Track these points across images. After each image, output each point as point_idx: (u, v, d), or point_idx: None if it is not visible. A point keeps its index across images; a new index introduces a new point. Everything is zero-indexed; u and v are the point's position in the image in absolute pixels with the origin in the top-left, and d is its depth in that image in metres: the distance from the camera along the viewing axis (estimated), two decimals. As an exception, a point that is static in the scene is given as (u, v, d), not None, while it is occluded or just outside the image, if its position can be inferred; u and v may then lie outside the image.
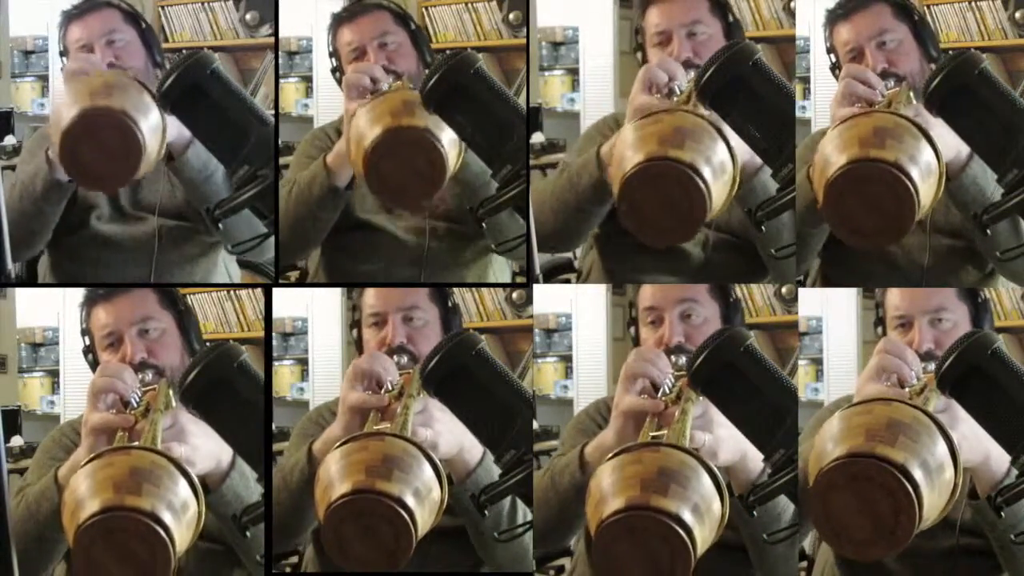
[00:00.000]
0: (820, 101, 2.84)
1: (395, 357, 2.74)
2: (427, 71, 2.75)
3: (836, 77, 2.78)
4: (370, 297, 2.81)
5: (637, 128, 2.63)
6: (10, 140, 2.90)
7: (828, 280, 2.85)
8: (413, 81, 2.80)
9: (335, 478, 2.48)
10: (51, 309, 2.86)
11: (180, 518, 2.48)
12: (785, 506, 2.66)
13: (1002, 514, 2.57)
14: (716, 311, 2.78)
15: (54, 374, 2.88)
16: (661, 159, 2.58)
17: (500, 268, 2.89)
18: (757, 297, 2.81)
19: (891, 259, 2.83)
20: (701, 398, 2.59)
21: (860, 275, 2.83)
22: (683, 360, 2.68)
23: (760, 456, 2.62)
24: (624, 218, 2.62)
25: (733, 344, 2.60)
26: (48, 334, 2.87)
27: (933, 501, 2.35)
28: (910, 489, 2.32)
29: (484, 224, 2.81)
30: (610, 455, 2.44)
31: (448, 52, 2.76)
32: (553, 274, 2.89)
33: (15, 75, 2.92)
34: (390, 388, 2.66)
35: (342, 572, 2.61)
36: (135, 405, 2.65)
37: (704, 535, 2.38)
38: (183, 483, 2.51)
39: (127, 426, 2.61)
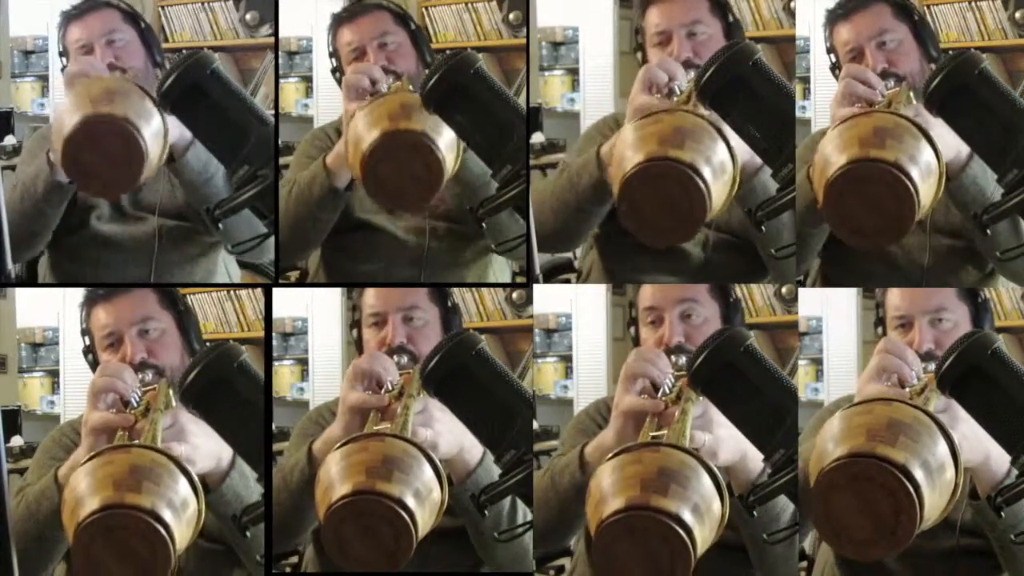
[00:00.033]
0: (820, 101, 2.84)
1: (395, 357, 2.74)
2: (427, 71, 2.75)
3: (836, 77, 2.78)
4: (370, 297, 2.81)
5: (637, 128, 2.63)
6: (10, 140, 2.90)
7: (828, 280, 2.85)
8: (413, 81, 2.80)
9: (335, 479, 2.48)
10: (51, 309, 2.86)
11: (180, 516, 2.49)
12: (785, 506, 2.66)
13: (1002, 514, 2.57)
14: (716, 311, 2.78)
15: (54, 374, 2.88)
16: (661, 159, 2.58)
17: (500, 268, 2.89)
18: (757, 297, 2.81)
19: (891, 259, 2.83)
20: (701, 398, 2.59)
21: (860, 275, 2.83)
22: (683, 360, 2.68)
23: (760, 456, 2.62)
24: (624, 218, 2.62)
25: (733, 344, 2.60)
26: (48, 334, 2.87)
27: (934, 501, 2.35)
28: (911, 489, 2.32)
29: (484, 224, 2.81)
30: (610, 455, 2.44)
31: (448, 52, 2.76)
32: (553, 274, 2.89)
33: (15, 75, 2.92)
34: (390, 388, 2.66)
35: (342, 572, 2.61)
36: (135, 405, 2.65)
37: (704, 535, 2.38)
38: (183, 481, 2.51)
39: (127, 425, 2.61)
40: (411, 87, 2.78)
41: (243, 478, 2.69)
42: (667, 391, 2.61)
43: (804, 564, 2.75)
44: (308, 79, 2.92)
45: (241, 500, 2.70)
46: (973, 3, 2.83)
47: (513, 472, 2.67)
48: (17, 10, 2.90)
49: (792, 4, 2.84)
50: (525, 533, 2.72)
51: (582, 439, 2.68)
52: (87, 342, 2.80)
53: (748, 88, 2.68)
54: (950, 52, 2.75)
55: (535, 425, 2.77)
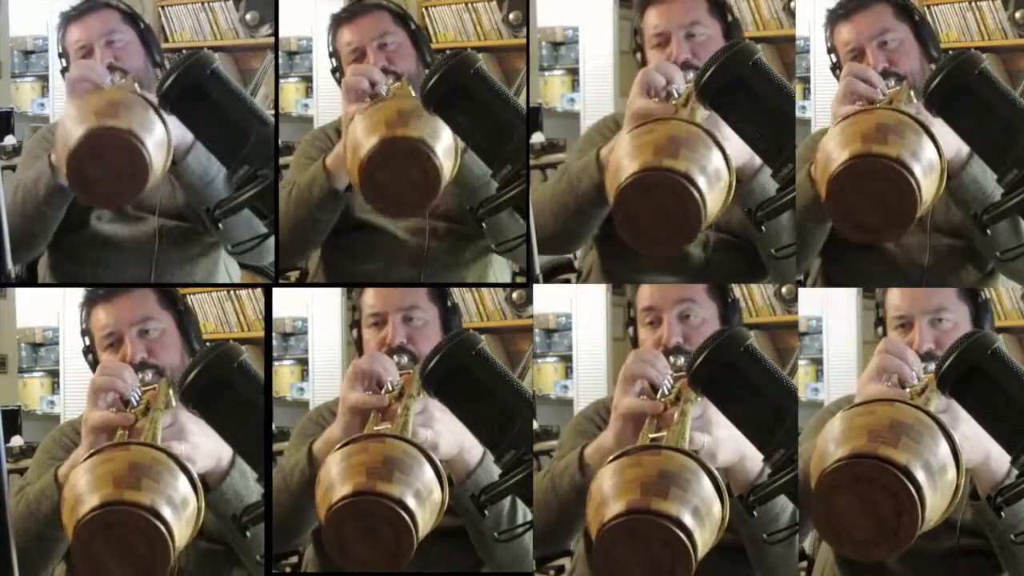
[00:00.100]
0: (820, 101, 2.84)
1: (395, 357, 2.74)
2: (427, 71, 2.75)
3: (837, 77, 2.78)
4: (370, 297, 2.81)
5: (632, 137, 2.63)
6: (10, 140, 2.90)
7: (829, 280, 2.85)
8: (413, 82, 2.80)
9: (336, 480, 2.48)
10: (51, 309, 2.86)
11: (180, 513, 2.49)
12: (784, 506, 2.66)
13: (1002, 514, 2.57)
14: (714, 311, 2.78)
15: (54, 374, 2.88)
16: (656, 169, 2.58)
17: (500, 268, 2.89)
18: (757, 297, 2.81)
19: (891, 259, 2.83)
20: (700, 399, 2.59)
21: (860, 275, 2.83)
22: (681, 361, 2.68)
23: (759, 456, 2.62)
24: (620, 228, 2.61)
25: (733, 344, 2.60)
26: (48, 334, 2.87)
27: (935, 502, 2.35)
28: (913, 491, 2.32)
29: (484, 224, 2.81)
30: (610, 458, 2.45)
31: (448, 52, 2.76)
32: (553, 274, 2.89)
33: (15, 75, 2.91)
34: (390, 388, 2.66)
35: (343, 573, 2.61)
36: (135, 404, 2.65)
37: (704, 538, 2.38)
38: (183, 479, 2.51)
39: (127, 424, 2.62)
40: (411, 87, 2.78)
41: (243, 477, 2.70)
42: (666, 392, 2.61)
43: (804, 564, 2.75)
44: (308, 79, 2.91)
45: (241, 499, 2.70)
46: (973, 3, 2.83)
47: (513, 472, 2.67)
48: (17, 10, 2.90)
49: (792, 4, 2.84)
50: (525, 533, 2.72)
51: (581, 441, 2.68)
52: (87, 342, 2.80)
53: (748, 88, 2.68)
54: (950, 52, 2.75)
55: (535, 425, 2.77)
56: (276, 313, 2.85)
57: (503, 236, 2.83)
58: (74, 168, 2.67)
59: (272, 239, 2.83)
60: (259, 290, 2.85)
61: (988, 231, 2.72)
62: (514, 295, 2.86)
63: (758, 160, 2.72)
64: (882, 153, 2.56)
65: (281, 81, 2.89)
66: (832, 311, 2.83)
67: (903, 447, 2.34)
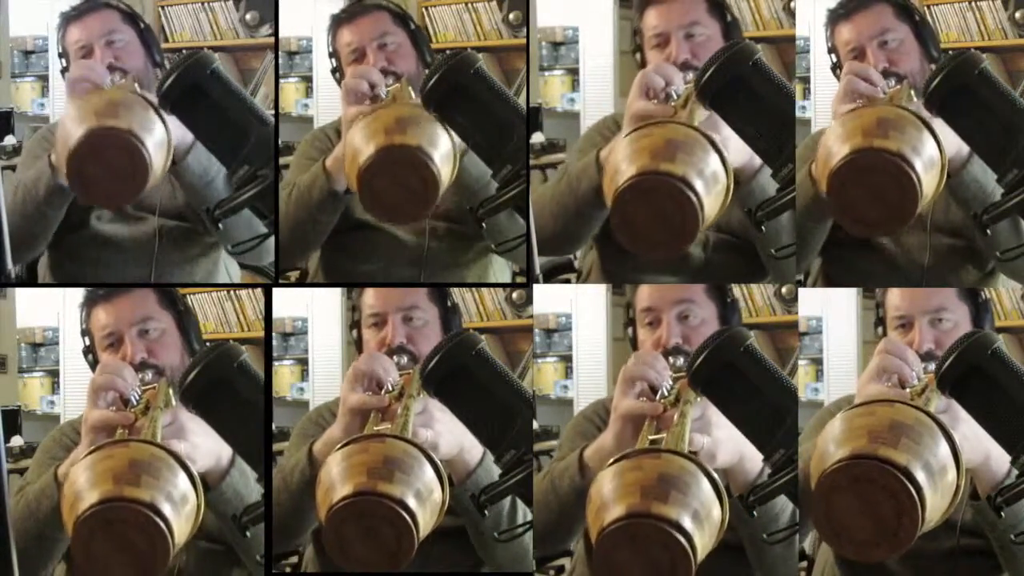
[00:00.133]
0: (820, 101, 2.84)
1: (395, 357, 2.74)
2: (427, 71, 2.75)
3: (837, 77, 2.78)
4: (370, 297, 2.81)
5: (630, 141, 2.63)
6: (10, 140, 2.90)
7: (830, 279, 2.85)
8: (413, 82, 2.80)
9: (336, 480, 2.48)
10: (51, 309, 2.86)
11: (179, 510, 2.49)
12: (784, 506, 2.66)
13: (1002, 514, 2.57)
14: (713, 312, 2.78)
15: (54, 374, 2.88)
16: (653, 173, 2.58)
17: (500, 268, 2.89)
18: (757, 297, 2.81)
19: (891, 259, 2.83)
20: (699, 399, 2.59)
21: (860, 275, 2.83)
22: (681, 361, 2.68)
23: (759, 456, 2.62)
24: (617, 231, 2.61)
25: (733, 344, 2.60)
26: (48, 334, 2.87)
27: (936, 503, 2.35)
28: (913, 491, 2.32)
29: (484, 224, 2.81)
30: (610, 461, 2.44)
31: (448, 52, 2.76)
32: (553, 274, 2.89)
33: (15, 75, 2.91)
34: (390, 389, 2.66)
35: (343, 573, 2.61)
36: (135, 403, 2.65)
37: (704, 541, 2.38)
38: (182, 476, 2.52)
39: (127, 423, 2.62)
40: (410, 88, 2.78)
41: (243, 476, 2.70)
42: (665, 393, 2.61)
43: (804, 564, 2.75)
44: (308, 79, 2.91)
45: (241, 499, 2.70)
46: (973, 3, 2.83)
47: (513, 472, 2.68)
48: (17, 10, 2.90)
49: (792, 4, 2.84)
50: (525, 533, 2.72)
51: (581, 442, 2.68)
52: (87, 342, 2.80)
53: (748, 88, 2.68)
54: (950, 52, 2.75)
55: (535, 425, 2.77)
56: (276, 313, 2.85)
57: (503, 236, 2.82)
58: (74, 168, 2.67)
59: (272, 239, 2.83)
60: (259, 290, 2.85)
61: (988, 231, 2.72)
62: (514, 295, 2.86)
63: (758, 160, 2.72)
64: (883, 147, 2.56)
65: (281, 81, 2.89)
66: (832, 311, 2.83)
67: (903, 448, 2.34)
